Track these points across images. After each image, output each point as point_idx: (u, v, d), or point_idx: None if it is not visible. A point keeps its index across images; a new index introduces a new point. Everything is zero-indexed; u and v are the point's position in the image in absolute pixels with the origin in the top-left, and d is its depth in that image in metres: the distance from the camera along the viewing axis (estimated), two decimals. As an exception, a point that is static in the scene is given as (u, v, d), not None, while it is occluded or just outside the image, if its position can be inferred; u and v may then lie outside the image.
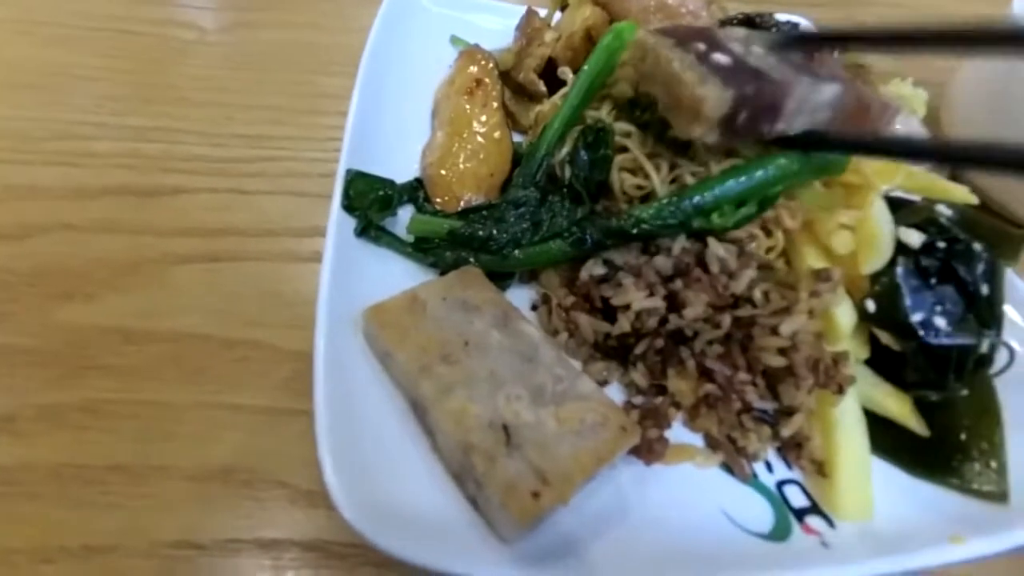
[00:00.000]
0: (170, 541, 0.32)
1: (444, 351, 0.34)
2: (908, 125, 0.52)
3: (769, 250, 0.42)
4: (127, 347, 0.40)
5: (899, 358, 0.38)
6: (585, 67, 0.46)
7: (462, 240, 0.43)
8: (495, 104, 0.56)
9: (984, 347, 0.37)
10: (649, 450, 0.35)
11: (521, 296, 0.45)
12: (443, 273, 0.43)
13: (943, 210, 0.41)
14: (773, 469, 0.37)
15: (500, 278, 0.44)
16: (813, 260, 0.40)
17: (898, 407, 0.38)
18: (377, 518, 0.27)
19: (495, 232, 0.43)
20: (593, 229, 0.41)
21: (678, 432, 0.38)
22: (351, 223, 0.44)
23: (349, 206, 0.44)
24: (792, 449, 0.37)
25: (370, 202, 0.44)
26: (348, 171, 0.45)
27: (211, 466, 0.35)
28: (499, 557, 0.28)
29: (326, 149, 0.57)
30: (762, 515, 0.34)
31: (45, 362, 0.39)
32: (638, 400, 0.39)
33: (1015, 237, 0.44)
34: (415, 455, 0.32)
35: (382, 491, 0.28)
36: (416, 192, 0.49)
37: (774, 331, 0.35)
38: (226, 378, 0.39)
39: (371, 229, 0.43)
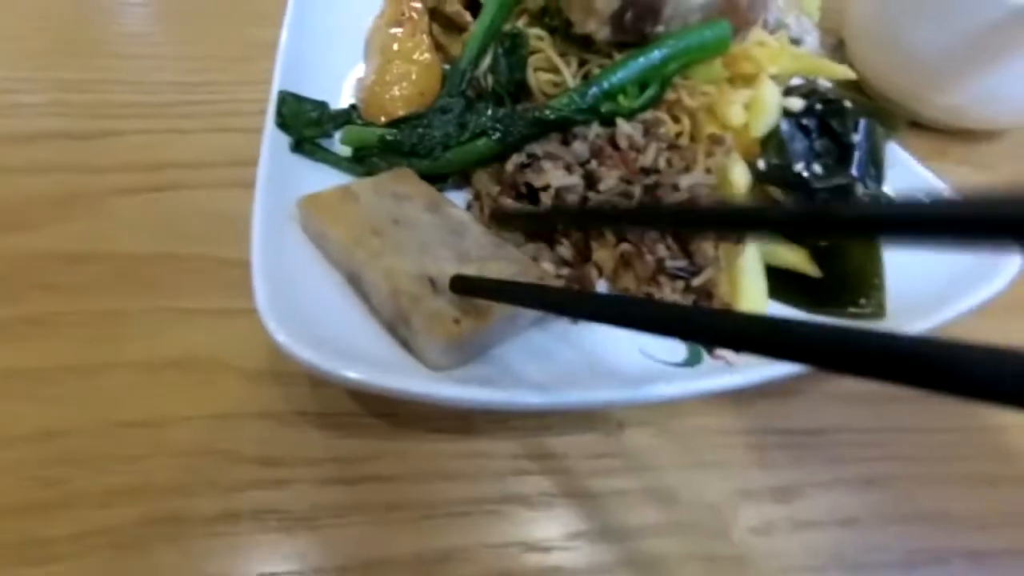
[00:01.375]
0: (127, 421, 0.34)
1: (375, 227, 0.36)
2: (800, 26, 0.56)
3: (678, 135, 0.46)
4: (71, 267, 0.41)
5: (793, 214, 0.43)
6: (499, -18, 0.49)
7: (394, 146, 0.46)
8: (423, 35, 0.58)
9: (862, 193, 0.41)
10: (573, 304, 0.38)
11: (456, 200, 0.47)
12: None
13: (823, 83, 0.45)
14: (689, 319, 0.41)
15: (434, 181, 0.46)
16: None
17: (794, 257, 0.43)
18: (316, 346, 0.29)
19: (425, 137, 0.46)
20: (514, 123, 0.44)
21: (604, 298, 0.42)
22: (286, 141, 0.46)
23: (283, 124, 0.45)
24: (704, 298, 0.41)
25: (304, 122, 0.46)
26: (280, 92, 0.46)
27: (162, 359, 0.37)
28: (433, 377, 0.30)
29: (262, 91, 0.57)
30: (676, 350, 0.38)
31: (-13, 286, 0.40)
32: (564, 272, 0.42)
33: (893, 113, 0.49)
34: (351, 311, 0.34)
35: (318, 328, 0.31)
36: (350, 116, 0.51)
37: (675, 188, 0.39)
38: (171, 287, 0.41)
39: (305, 144, 0.45)
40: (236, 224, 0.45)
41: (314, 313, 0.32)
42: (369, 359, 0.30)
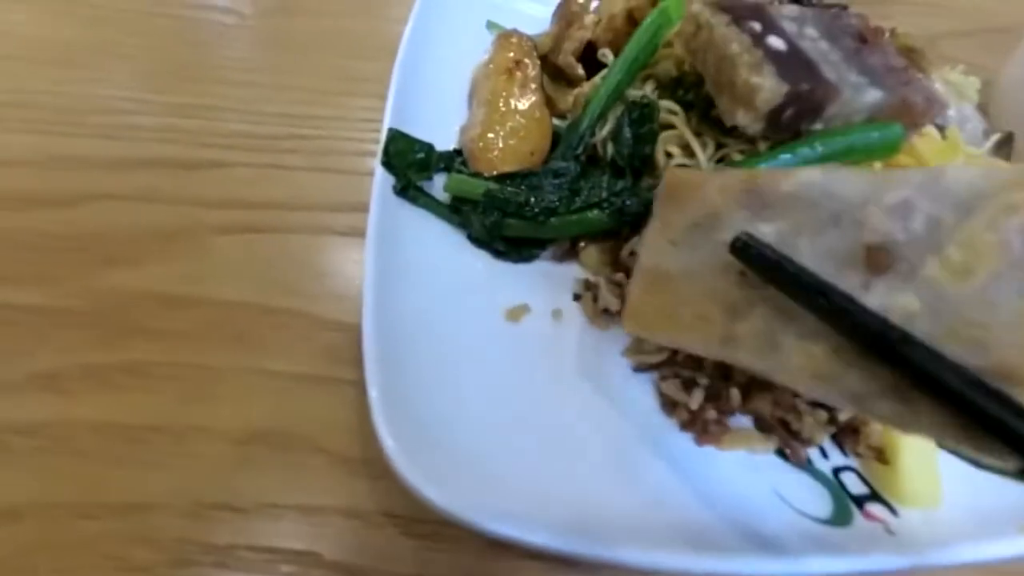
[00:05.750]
0: (211, 502, 0.32)
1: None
2: (962, 113, 0.50)
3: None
4: (169, 312, 0.40)
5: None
6: (629, 44, 0.46)
7: (497, 203, 0.42)
8: (534, 85, 0.55)
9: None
10: (705, 430, 0.33)
11: (562, 274, 0.43)
12: (471, 238, 0.43)
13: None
14: (828, 455, 0.36)
15: (533, 246, 0.43)
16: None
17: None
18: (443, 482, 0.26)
19: (532, 198, 0.42)
20: (632, 200, 0.40)
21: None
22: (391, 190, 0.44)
23: (388, 163, 0.44)
24: (849, 435, 0.35)
25: (409, 162, 0.44)
26: (390, 129, 0.45)
27: (251, 429, 0.35)
28: (548, 529, 0.27)
29: (361, 129, 0.57)
30: (820, 500, 0.33)
31: (89, 324, 0.39)
32: (703, 380, 0.37)
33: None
34: (468, 410, 0.32)
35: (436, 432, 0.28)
36: (453, 161, 0.48)
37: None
38: (265, 344, 0.39)
39: (410, 189, 0.43)
40: (333, 279, 0.43)
41: (431, 414, 0.29)
42: (480, 481, 0.27)
